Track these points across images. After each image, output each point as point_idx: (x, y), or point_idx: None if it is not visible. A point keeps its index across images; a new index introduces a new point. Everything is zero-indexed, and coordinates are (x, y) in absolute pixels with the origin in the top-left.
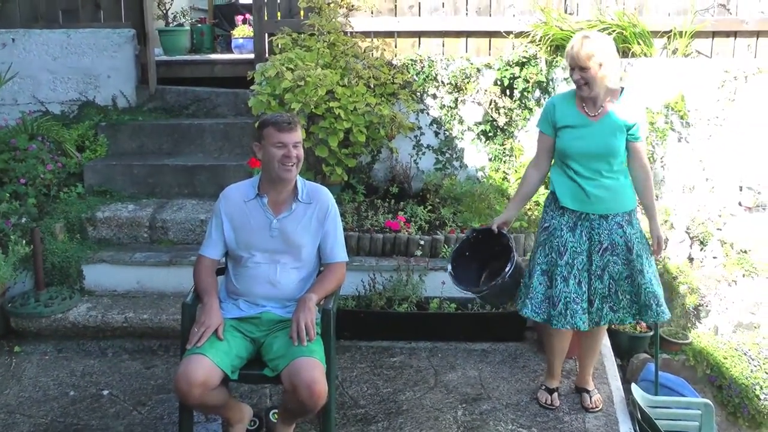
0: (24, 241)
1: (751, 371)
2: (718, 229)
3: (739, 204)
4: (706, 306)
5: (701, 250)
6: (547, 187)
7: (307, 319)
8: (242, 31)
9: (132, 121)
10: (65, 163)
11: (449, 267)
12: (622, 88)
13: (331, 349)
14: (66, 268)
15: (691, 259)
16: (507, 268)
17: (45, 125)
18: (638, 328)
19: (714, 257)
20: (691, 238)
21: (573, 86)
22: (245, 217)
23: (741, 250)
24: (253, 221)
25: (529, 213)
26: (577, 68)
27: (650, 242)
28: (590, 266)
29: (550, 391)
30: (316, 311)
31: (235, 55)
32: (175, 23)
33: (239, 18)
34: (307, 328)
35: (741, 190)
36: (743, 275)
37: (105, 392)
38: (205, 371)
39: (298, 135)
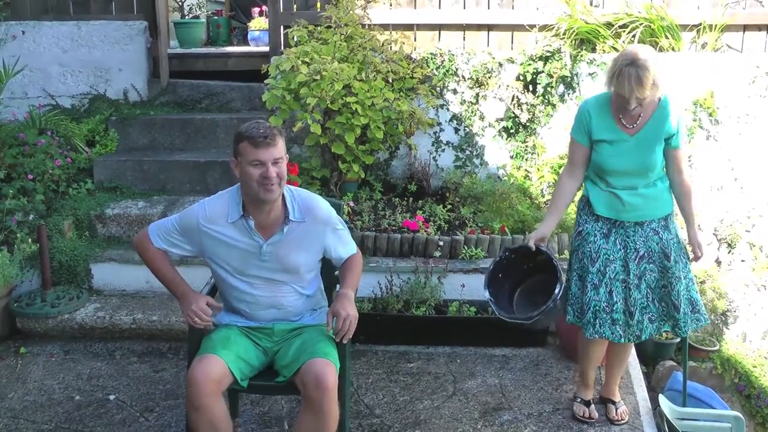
0: (30, 239)
1: None
2: (746, 231)
3: None
4: (734, 311)
5: (729, 252)
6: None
7: (351, 314)
8: (259, 24)
9: (143, 116)
10: (75, 158)
11: (486, 293)
12: (663, 95)
13: (346, 357)
14: (74, 267)
15: (718, 263)
16: (557, 290)
17: (54, 119)
18: (664, 334)
19: (742, 260)
20: (719, 241)
21: (600, 84)
22: (230, 241)
23: None
24: (240, 246)
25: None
26: (635, 100)
27: (688, 248)
28: (627, 275)
29: (587, 404)
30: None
31: (249, 48)
32: (191, 15)
33: (256, 10)
34: (350, 324)
35: None
36: None
37: (111, 397)
38: (220, 370)
39: (279, 149)
